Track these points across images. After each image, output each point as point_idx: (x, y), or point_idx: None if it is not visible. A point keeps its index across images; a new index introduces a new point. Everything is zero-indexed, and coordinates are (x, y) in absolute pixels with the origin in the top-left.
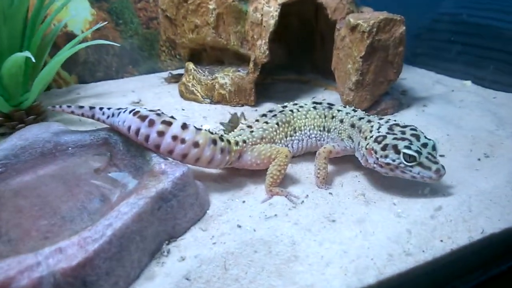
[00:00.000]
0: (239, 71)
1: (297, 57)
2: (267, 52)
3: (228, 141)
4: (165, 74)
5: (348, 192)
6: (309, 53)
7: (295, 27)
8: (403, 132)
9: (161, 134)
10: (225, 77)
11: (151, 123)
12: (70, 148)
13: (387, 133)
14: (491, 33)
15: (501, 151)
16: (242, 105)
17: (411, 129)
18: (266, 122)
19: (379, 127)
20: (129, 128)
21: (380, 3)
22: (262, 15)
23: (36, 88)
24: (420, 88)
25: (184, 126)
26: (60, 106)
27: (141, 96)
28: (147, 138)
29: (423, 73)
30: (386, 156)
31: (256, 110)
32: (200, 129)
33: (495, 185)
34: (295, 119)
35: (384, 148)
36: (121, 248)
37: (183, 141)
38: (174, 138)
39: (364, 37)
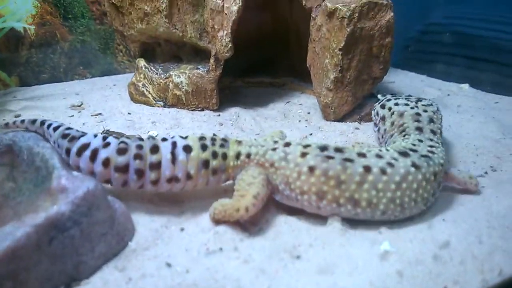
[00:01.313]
0: (198, 68)
1: (271, 58)
2: (230, 45)
3: (224, 155)
4: (122, 77)
5: (321, 216)
6: (284, 53)
7: (269, 25)
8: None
9: (155, 183)
10: (181, 75)
11: (140, 174)
12: None
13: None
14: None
15: (511, 164)
16: (202, 109)
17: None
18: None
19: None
20: (108, 181)
21: None
22: (223, 0)
23: None
24: (410, 92)
25: (173, 159)
26: (14, 122)
27: (85, 99)
28: (141, 187)
29: (413, 76)
30: None
31: (219, 115)
32: (188, 148)
33: (510, 206)
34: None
35: None
36: None
37: (177, 179)
38: (169, 180)
39: (344, 25)
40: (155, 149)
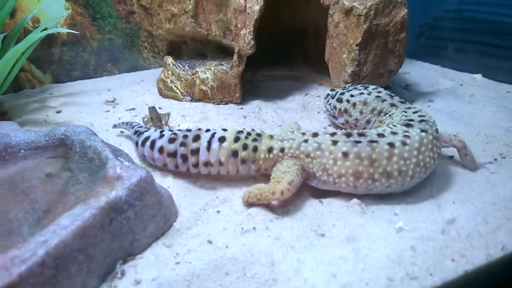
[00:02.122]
0: (222, 64)
1: (289, 52)
2: (253, 42)
3: (255, 148)
4: (148, 72)
5: (342, 199)
6: (302, 47)
7: (286, 18)
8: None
9: (195, 166)
10: (207, 71)
11: (184, 158)
12: (22, 150)
13: None
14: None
15: None
16: (226, 103)
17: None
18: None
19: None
20: (165, 165)
21: None
22: (245, 0)
23: None
24: (425, 82)
25: (208, 147)
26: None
27: (117, 95)
28: (187, 170)
29: (427, 67)
30: None
31: (242, 108)
32: (222, 139)
33: None
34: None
35: None
36: (57, 270)
37: (211, 164)
38: (206, 164)
39: (361, 22)
40: (196, 138)
